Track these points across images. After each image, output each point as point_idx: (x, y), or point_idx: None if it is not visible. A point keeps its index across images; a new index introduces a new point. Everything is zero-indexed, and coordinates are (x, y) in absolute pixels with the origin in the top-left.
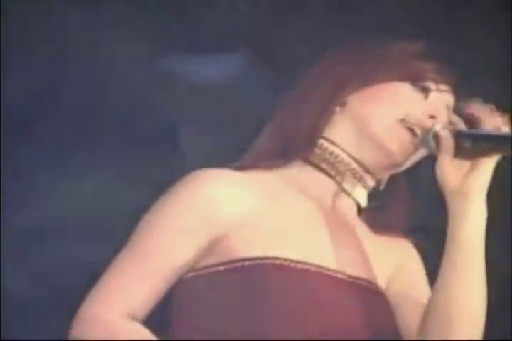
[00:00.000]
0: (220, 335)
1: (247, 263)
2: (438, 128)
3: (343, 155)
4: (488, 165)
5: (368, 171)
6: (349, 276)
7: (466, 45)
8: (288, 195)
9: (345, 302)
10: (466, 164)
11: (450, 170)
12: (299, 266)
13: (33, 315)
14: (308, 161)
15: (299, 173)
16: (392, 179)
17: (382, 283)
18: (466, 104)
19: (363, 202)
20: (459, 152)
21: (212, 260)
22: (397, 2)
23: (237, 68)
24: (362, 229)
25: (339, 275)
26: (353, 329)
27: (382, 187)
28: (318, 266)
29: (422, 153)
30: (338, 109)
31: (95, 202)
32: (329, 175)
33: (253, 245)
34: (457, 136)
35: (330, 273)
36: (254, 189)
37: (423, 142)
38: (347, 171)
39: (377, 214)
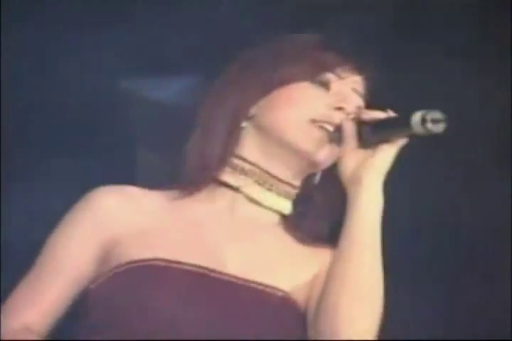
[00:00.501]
0: (115, 336)
1: (132, 265)
2: (339, 119)
3: (251, 167)
4: (384, 152)
5: (281, 180)
6: (238, 278)
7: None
8: (193, 210)
9: (227, 302)
10: (367, 152)
11: (350, 159)
12: (185, 267)
13: None
14: (219, 182)
15: (210, 192)
16: (313, 184)
17: (295, 290)
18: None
19: (285, 209)
20: (363, 141)
21: (108, 266)
22: None
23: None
24: (280, 238)
25: (230, 279)
26: (239, 330)
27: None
28: (200, 267)
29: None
30: (244, 124)
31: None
32: (237, 190)
33: (141, 250)
34: (360, 125)
35: (220, 275)
36: (149, 202)
37: (333, 136)
38: (254, 182)
39: (299, 221)
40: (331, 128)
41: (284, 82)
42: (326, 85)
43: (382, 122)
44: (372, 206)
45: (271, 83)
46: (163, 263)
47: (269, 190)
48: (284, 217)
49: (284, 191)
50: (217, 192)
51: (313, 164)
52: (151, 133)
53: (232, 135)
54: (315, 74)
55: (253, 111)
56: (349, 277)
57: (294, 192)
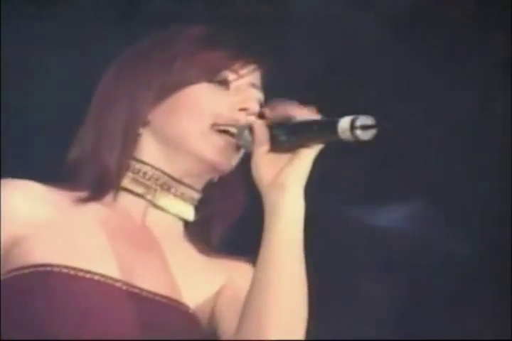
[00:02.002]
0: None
1: (27, 270)
2: (251, 120)
3: (153, 172)
4: (305, 157)
5: (185, 184)
6: (142, 290)
7: None
8: (93, 213)
9: (127, 313)
10: (284, 157)
11: (266, 163)
12: (81, 274)
13: None
14: (121, 188)
15: (116, 198)
16: (215, 187)
17: (193, 301)
18: (270, 107)
19: (189, 216)
20: (276, 144)
21: (7, 267)
22: None
23: None
24: (184, 248)
25: (128, 288)
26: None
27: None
28: (105, 277)
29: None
30: (141, 130)
31: None
32: (139, 195)
33: (47, 253)
34: (272, 127)
35: (117, 284)
36: (56, 202)
37: (240, 139)
38: (158, 187)
39: (201, 228)
40: (235, 130)
41: (179, 85)
42: (225, 84)
43: (302, 125)
44: (297, 213)
45: (165, 88)
46: (70, 271)
47: (175, 195)
48: (187, 224)
49: (190, 196)
50: (123, 198)
51: (218, 171)
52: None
53: (128, 143)
54: (211, 73)
55: (150, 116)
56: (272, 286)
57: (197, 197)
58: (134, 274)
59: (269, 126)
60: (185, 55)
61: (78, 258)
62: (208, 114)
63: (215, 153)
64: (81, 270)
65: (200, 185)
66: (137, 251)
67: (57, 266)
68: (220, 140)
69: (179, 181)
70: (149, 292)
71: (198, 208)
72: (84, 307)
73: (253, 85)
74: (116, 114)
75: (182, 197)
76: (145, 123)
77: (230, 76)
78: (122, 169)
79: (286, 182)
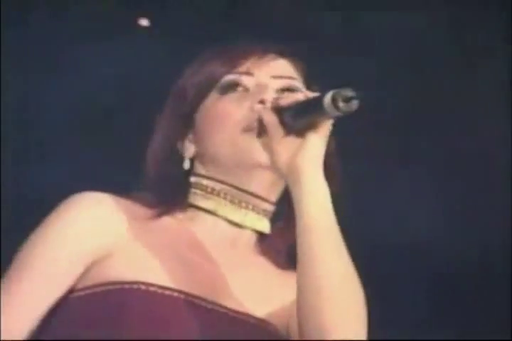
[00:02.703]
0: None
1: (111, 286)
2: (257, 111)
3: (221, 187)
4: (314, 137)
5: (255, 195)
6: (228, 309)
7: None
8: (174, 232)
9: (215, 333)
10: (297, 142)
11: (281, 151)
12: (166, 292)
13: None
14: (189, 204)
15: (188, 214)
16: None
17: (275, 318)
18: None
19: (264, 228)
20: (286, 128)
21: (88, 282)
22: None
23: None
24: (258, 262)
25: (214, 307)
26: None
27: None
28: (191, 296)
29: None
30: (187, 165)
31: None
32: (210, 212)
33: (126, 270)
34: (279, 112)
35: (204, 304)
36: (137, 216)
37: (260, 131)
38: (227, 202)
39: (276, 240)
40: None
41: (192, 104)
42: (234, 87)
43: (302, 105)
44: (317, 198)
45: (183, 112)
46: (158, 290)
47: (246, 208)
48: (262, 236)
49: (262, 208)
50: (195, 215)
51: (264, 168)
52: None
53: (172, 176)
54: (216, 79)
55: (192, 149)
56: (315, 281)
57: (271, 208)
58: (217, 292)
59: (277, 112)
60: (192, 74)
61: (163, 275)
62: (232, 124)
63: (253, 153)
64: (166, 288)
65: (273, 196)
66: (217, 268)
67: (140, 283)
68: (248, 141)
69: (249, 193)
70: (235, 311)
71: (273, 220)
72: (168, 326)
73: (274, 76)
74: (160, 149)
75: (254, 209)
76: (194, 156)
77: (238, 77)
78: (184, 188)
79: (301, 168)
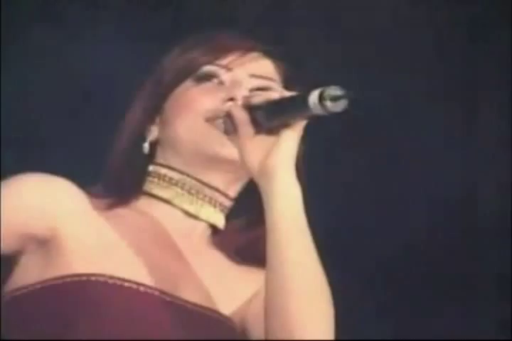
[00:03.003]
0: None
1: (70, 279)
2: (228, 107)
3: (180, 177)
4: (289, 138)
5: (213, 188)
6: (181, 300)
7: None
8: (130, 222)
9: (170, 325)
10: (269, 140)
11: (252, 148)
12: (126, 284)
13: None
14: (144, 192)
15: (142, 205)
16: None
17: (229, 310)
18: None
19: (219, 222)
20: (258, 127)
21: (48, 274)
22: None
23: None
24: (212, 255)
25: (169, 298)
26: None
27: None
28: (146, 287)
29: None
30: (146, 147)
31: None
32: (166, 201)
33: (85, 261)
34: (251, 110)
35: (158, 295)
36: (93, 206)
37: (227, 125)
38: (184, 192)
39: (233, 236)
40: (225, 120)
41: (165, 90)
42: (212, 79)
43: (278, 103)
44: (292, 197)
45: (153, 96)
46: (114, 281)
47: (203, 200)
48: (215, 231)
49: (219, 202)
50: (151, 205)
51: (232, 163)
52: None
53: (135, 160)
54: (195, 68)
55: (155, 133)
56: (282, 281)
57: (228, 204)
58: (176, 284)
59: (248, 110)
60: (173, 60)
61: (121, 267)
62: (197, 112)
63: (213, 144)
64: (126, 280)
65: (231, 191)
66: (174, 260)
67: (102, 275)
68: (210, 131)
69: (207, 185)
70: (191, 303)
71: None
72: (124, 317)
73: (252, 75)
74: (125, 129)
75: (211, 202)
76: (155, 140)
77: (217, 70)
78: (140, 175)
79: (274, 167)
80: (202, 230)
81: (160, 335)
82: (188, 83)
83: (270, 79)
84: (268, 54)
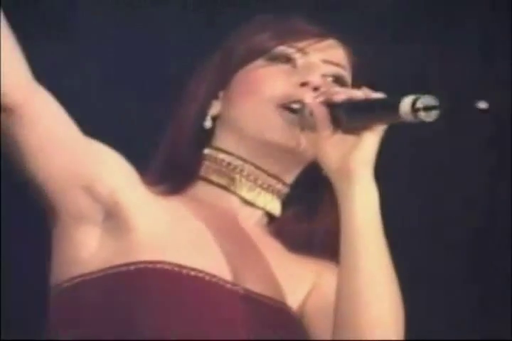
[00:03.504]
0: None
1: (133, 267)
2: (308, 99)
3: (238, 162)
4: (370, 140)
5: (271, 175)
6: (248, 291)
7: None
8: (187, 211)
9: (237, 315)
10: (349, 140)
11: (330, 147)
12: (192, 273)
13: None
14: (200, 178)
15: (198, 191)
16: (314, 181)
17: (292, 301)
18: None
19: (275, 210)
20: (337, 125)
21: (116, 260)
22: None
23: None
24: (271, 243)
25: (237, 289)
26: None
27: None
28: (214, 276)
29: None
30: (208, 124)
31: None
32: (223, 187)
33: (152, 248)
34: (332, 106)
35: (227, 285)
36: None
37: (302, 119)
38: (242, 178)
39: (291, 225)
40: (297, 106)
41: (235, 66)
42: (285, 60)
43: (363, 104)
44: (370, 200)
45: (223, 72)
46: (182, 270)
47: (261, 187)
48: (273, 218)
49: (276, 189)
50: (207, 191)
51: (294, 152)
52: None
53: (197, 132)
54: (268, 48)
55: (216, 109)
56: (357, 283)
57: (284, 190)
58: (241, 274)
59: (329, 106)
60: (243, 37)
61: (188, 255)
62: (266, 92)
63: (275, 131)
64: (193, 269)
65: (288, 177)
66: (239, 249)
67: (169, 263)
68: (279, 118)
69: (265, 171)
70: (258, 294)
71: (285, 204)
72: (193, 307)
73: (327, 61)
74: (185, 104)
75: (269, 189)
76: (216, 116)
77: (291, 51)
78: (198, 158)
79: (355, 169)
80: (259, 218)
81: (230, 328)
82: (260, 62)
83: (342, 66)
84: (341, 42)
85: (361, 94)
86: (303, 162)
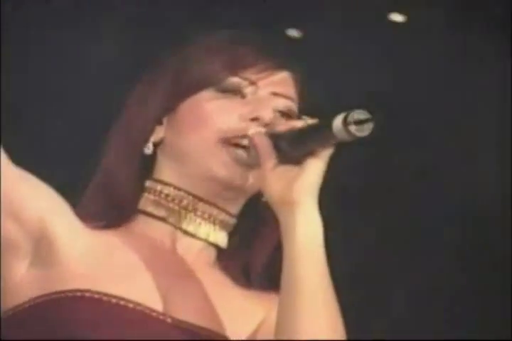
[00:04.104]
0: None
1: (56, 295)
2: (251, 133)
3: (176, 193)
4: (313, 167)
5: (213, 205)
6: (177, 320)
7: None
8: (121, 244)
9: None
10: (292, 170)
11: (275, 178)
12: (114, 300)
13: None
14: (139, 211)
15: (136, 224)
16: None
17: (238, 333)
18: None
19: (220, 241)
20: (281, 156)
21: (46, 289)
22: None
23: None
24: (215, 276)
25: (164, 318)
26: None
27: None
28: (139, 305)
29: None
30: (149, 150)
31: None
32: (162, 219)
33: (81, 278)
34: (274, 138)
35: (153, 314)
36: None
37: (250, 155)
38: (182, 209)
39: (238, 256)
40: (246, 142)
41: (183, 92)
42: (235, 92)
43: (302, 131)
44: (312, 230)
45: (171, 98)
46: (95, 296)
47: (202, 218)
48: (220, 251)
49: (219, 219)
50: (148, 224)
51: (234, 188)
52: None
53: (136, 160)
54: (219, 79)
55: (159, 135)
56: (295, 318)
57: (231, 221)
58: (172, 304)
59: (271, 138)
60: (193, 61)
61: (116, 285)
62: (215, 126)
63: (222, 168)
64: (113, 296)
65: (234, 208)
66: (173, 281)
67: (86, 291)
68: (227, 154)
69: (206, 202)
70: (188, 324)
71: (232, 234)
72: (119, 335)
73: (276, 94)
74: (125, 128)
75: (210, 220)
76: (158, 142)
77: (242, 83)
78: (135, 190)
79: (296, 199)
80: (201, 249)
81: None
82: (210, 93)
83: (291, 98)
84: (285, 65)
85: (301, 123)
86: (248, 193)
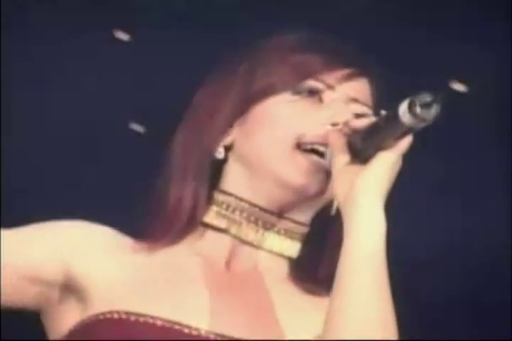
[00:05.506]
0: None
1: (90, 319)
2: (327, 134)
3: (237, 203)
4: (380, 161)
5: (276, 214)
6: (219, 335)
7: None
8: (175, 258)
9: None
10: (359, 169)
11: (342, 179)
12: (141, 319)
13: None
14: (202, 224)
15: (196, 236)
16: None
17: None
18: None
19: (288, 252)
20: (355, 155)
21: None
22: None
23: None
24: (281, 287)
25: (216, 338)
26: None
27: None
28: (178, 323)
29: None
30: (220, 155)
31: None
32: (223, 231)
33: (106, 299)
34: (349, 137)
35: (194, 332)
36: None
37: (328, 162)
38: (243, 220)
39: (309, 266)
40: (323, 149)
41: (258, 95)
42: (314, 96)
43: (372, 125)
44: (373, 230)
45: (243, 101)
46: (123, 316)
47: (265, 228)
48: (292, 261)
49: (285, 229)
50: (205, 236)
51: (307, 197)
52: None
53: (203, 170)
54: (296, 82)
55: (230, 138)
56: (349, 313)
57: (300, 230)
58: (221, 320)
59: (347, 136)
60: (268, 63)
61: (140, 303)
62: (291, 131)
63: (297, 175)
64: (143, 315)
65: (303, 216)
66: (224, 297)
67: (115, 312)
68: (304, 160)
69: (269, 212)
70: (230, 338)
71: (306, 242)
72: None
73: (354, 100)
74: (193, 140)
75: (275, 229)
76: (226, 146)
77: (321, 86)
78: (199, 202)
79: (358, 195)
80: (270, 261)
81: None
82: (284, 95)
83: (368, 106)
84: (365, 70)
85: (373, 119)
86: (323, 201)
